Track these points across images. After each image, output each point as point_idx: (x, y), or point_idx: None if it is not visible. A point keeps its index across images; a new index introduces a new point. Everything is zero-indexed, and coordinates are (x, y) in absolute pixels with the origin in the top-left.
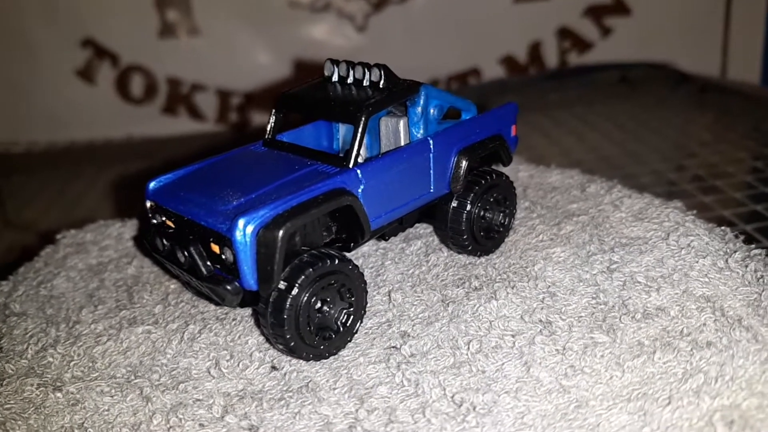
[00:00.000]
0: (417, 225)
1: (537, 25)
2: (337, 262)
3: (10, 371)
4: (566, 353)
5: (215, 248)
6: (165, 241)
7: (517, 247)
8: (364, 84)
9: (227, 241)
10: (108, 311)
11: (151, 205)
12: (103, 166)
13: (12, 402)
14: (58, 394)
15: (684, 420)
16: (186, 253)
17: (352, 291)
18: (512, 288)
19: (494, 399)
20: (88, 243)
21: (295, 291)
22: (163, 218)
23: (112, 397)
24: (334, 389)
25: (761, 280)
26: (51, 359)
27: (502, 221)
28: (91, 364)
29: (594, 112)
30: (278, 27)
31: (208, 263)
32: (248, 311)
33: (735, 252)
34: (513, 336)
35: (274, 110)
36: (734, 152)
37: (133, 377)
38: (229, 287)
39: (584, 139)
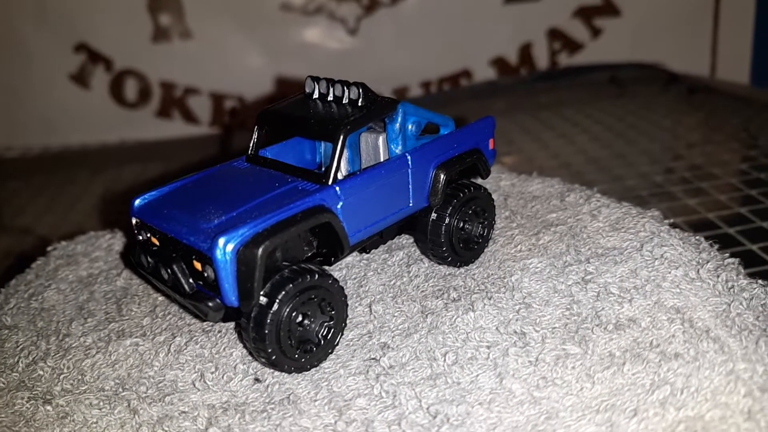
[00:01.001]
0: (399, 236)
1: (527, 26)
2: (317, 277)
3: (1, 385)
4: (538, 365)
5: (197, 265)
6: (149, 258)
7: (495, 258)
8: (344, 102)
9: (208, 260)
10: (97, 324)
11: (136, 222)
12: (97, 170)
13: (3, 415)
14: (48, 407)
15: (649, 431)
16: (169, 270)
17: (333, 305)
18: (489, 299)
19: (468, 410)
20: (78, 255)
21: (275, 306)
22: (149, 235)
23: (100, 409)
24: (315, 401)
25: (732, 290)
26: (41, 372)
27: (481, 233)
28: (80, 377)
29: (583, 113)
30: (270, 30)
31: (191, 280)
32: (232, 325)
33: (708, 262)
34: (488, 347)
35: (256, 127)
36: (721, 154)
37: (121, 390)
38: (210, 304)
39: (573, 141)
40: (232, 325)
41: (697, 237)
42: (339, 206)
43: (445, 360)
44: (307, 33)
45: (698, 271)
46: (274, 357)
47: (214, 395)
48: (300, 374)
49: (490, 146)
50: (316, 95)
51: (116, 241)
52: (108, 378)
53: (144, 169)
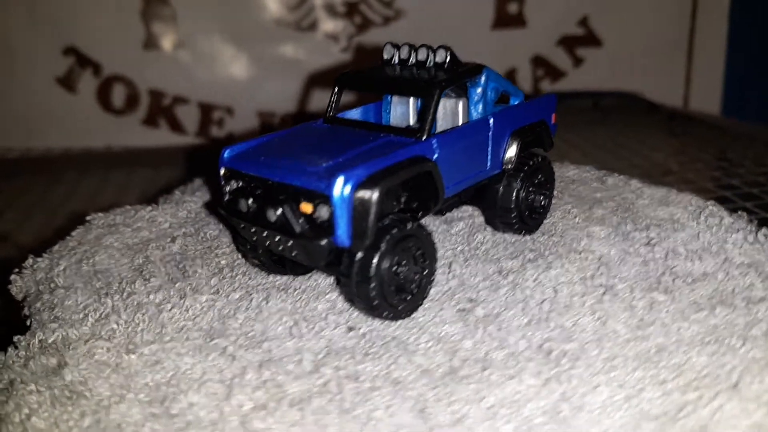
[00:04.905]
0: (455, 209)
1: (513, 52)
2: (416, 226)
3: (74, 336)
4: (634, 310)
5: (306, 208)
6: (251, 203)
7: (556, 228)
8: (428, 65)
9: (323, 199)
10: (162, 283)
11: (225, 173)
12: (81, 175)
13: (85, 364)
14: (132, 356)
15: (764, 356)
16: (279, 211)
17: (425, 256)
18: (566, 259)
19: (580, 347)
20: (119, 225)
21: (381, 250)
22: (240, 184)
23: (192, 357)
24: (419, 344)
25: None
26: (115, 326)
27: (543, 203)
28: (160, 330)
29: (561, 137)
30: (263, 44)
31: (301, 220)
32: (309, 283)
33: (760, 229)
34: (581, 297)
35: (336, 88)
36: (704, 172)
37: (209, 340)
38: (323, 243)
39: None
40: (309, 283)
41: (740, 212)
42: (434, 159)
43: (540, 308)
44: (299, 48)
45: (756, 235)
46: (375, 302)
47: (310, 342)
48: (394, 323)
49: (552, 120)
50: (396, 61)
51: (158, 213)
52: (191, 330)
53: (129, 175)
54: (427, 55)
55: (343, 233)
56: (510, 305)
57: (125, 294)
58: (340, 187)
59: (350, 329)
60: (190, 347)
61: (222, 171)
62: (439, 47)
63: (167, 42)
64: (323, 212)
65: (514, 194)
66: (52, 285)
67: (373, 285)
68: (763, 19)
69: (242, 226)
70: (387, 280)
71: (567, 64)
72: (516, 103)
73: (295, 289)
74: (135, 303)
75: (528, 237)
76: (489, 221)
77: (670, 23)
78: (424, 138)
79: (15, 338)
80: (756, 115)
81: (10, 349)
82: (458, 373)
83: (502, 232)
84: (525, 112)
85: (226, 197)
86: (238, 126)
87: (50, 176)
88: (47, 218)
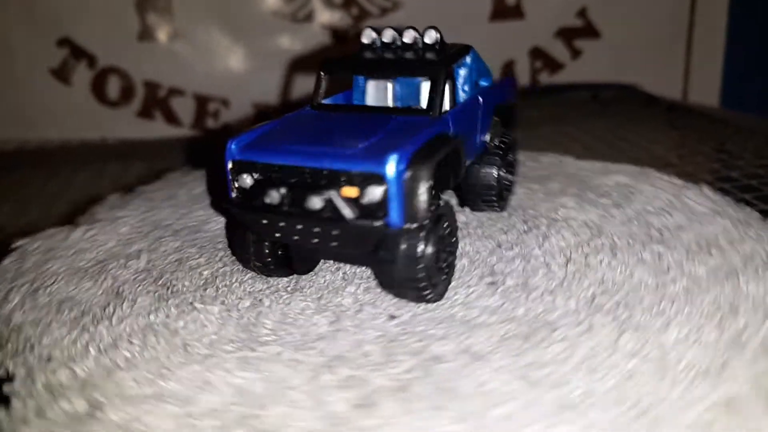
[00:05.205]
0: None
1: (511, 44)
2: (446, 204)
3: (83, 374)
4: (646, 262)
5: (350, 192)
6: (284, 192)
7: (527, 203)
8: (416, 47)
9: (374, 180)
10: (152, 302)
11: (233, 166)
12: (77, 168)
13: (119, 400)
14: (171, 383)
15: None
16: (326, 197)
17: (453, 234)
18: (557, 227)
19: (625, 298)
20: (56, 249)
21: (426, 229)
22: (253, 175)
23: (243, 371)
24: (475, 318)
25: (730, 205)
26: (127, 354)
27: (512, 180)
28: (184, 349)
29: (561, 131)
30: (259, 35)
31: (351, 203)
32: (317, 281)
33: (697, 185)
34: (595, 256)
35: (321, 74)
36: (703, 164)
37: (250, 351)
38: (378, 223)
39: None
40: (317, 280)
41: (672, 176)
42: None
43: (566, 269)
44: (295, 40)
45: (702, 190)
46: (423, 284)
47: (360, 335)
48: (432, 305)
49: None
50: (377, 45)
51: (98, 233)
52: (221, 344)
53: (124, 168)
54: (415, 38)
55: (396, 214)
56: (531, 273)
57: (113, 320)
58: (395, 166)
59: (392, 317)
60: (235, 362)
61: (230, 164)
62: (428, 28)
63: (162, 33)
64: (375, 194)
65: (496, 172)
66: (13, 324)
67: (420, 266)
68: (763, 12)
69: (265, 221)
70: (431, 260)
71: (565, 56)
72: (487, 84)
73: (307, 288)
74: (135, 327)
75: (505, 213)
76: (467, 201)
77: (670, 15)
78: (438, 115)
79: (6, 389)
80: (755, 108)
81: (14, 401)
82: (532, 339)
83: (480, 211)
84: (498, 93)
85: (235, 193)
86: (234, 118)
87: (47, 169)
88: (44, 211)
